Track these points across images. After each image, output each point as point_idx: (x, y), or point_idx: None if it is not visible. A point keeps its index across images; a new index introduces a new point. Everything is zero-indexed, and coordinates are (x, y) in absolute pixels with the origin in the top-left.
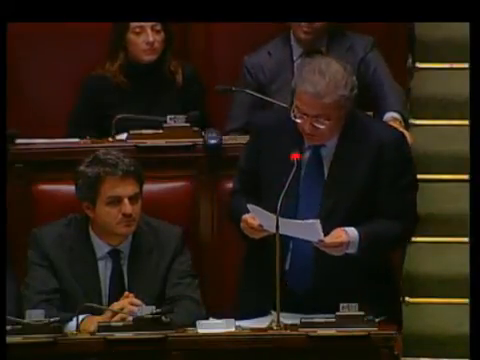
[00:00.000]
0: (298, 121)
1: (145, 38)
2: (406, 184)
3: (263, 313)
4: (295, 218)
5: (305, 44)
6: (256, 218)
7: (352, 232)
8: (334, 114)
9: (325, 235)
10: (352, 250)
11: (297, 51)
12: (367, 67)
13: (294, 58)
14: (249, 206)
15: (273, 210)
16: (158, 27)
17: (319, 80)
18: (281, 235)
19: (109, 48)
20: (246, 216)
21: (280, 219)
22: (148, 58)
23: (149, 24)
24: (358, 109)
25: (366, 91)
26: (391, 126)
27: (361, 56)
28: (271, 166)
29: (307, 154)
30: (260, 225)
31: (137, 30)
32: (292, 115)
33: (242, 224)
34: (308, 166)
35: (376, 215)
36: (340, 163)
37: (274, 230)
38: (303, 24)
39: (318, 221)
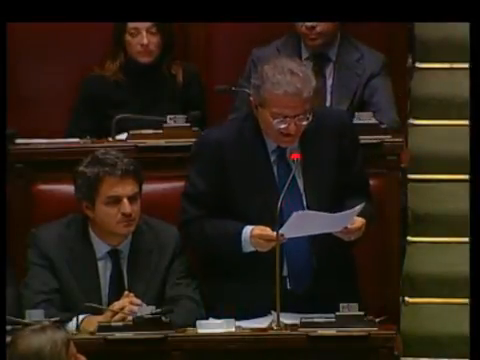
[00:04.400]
0: (282, 126)
1: (139, 40)
2: (362, 162)
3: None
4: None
5: (314, 48)
6: (265, 229)
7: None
8: (310, 107)
9: None
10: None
11: (305, 52)
12: (373, 90)
13: (303, 58)
14: (304, 212)
15: (255, 222)
16: (153, 29)
17: (293, 78)
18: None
19: (110, 47)
20: (255, 230)
21: (319, 214)
22: (143, 60)
23: (144, 26)
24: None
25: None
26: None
27: (372, 72)
28: (242, 180)
29: (273, 158)
30: (281, 234)
31: (132, 31)
32: (272, 123)
33: (253, 239)
34: (278, 170)
35: (347, 196)
36: (310, 155)
37: (296, 233)
38: (307, 32)
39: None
